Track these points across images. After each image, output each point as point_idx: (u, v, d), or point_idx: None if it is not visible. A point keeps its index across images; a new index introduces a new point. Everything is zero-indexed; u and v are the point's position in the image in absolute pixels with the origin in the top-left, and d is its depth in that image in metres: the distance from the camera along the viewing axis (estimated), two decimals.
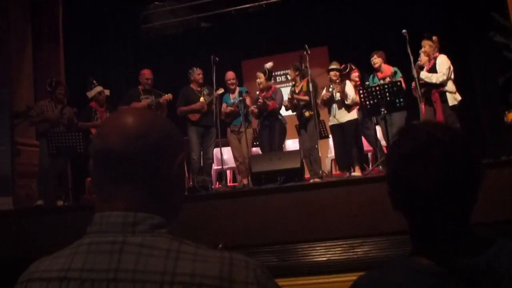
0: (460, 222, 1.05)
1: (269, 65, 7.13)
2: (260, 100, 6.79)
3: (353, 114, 6.64)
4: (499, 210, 4.28)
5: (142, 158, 0.92)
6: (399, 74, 6.46)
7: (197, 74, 7.08)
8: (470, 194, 1.05)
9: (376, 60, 6.58)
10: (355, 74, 6.93)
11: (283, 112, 7.08)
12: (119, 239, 0.88)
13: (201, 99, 6.92)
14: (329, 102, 6.80)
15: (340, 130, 6.72)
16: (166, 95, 6.93)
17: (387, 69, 6.56)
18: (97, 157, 0.95)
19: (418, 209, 1.06)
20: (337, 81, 6.77)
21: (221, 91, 6.86)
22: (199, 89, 7.06)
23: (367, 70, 7.04)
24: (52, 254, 0.94)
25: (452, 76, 6.02)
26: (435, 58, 6.09)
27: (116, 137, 0.93)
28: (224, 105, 7.11)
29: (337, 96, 6.66)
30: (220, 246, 1.57)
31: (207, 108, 6.86)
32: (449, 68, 5.98)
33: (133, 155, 0.92)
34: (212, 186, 6.75)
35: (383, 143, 6.90)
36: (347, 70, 6.91)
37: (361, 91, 5.97)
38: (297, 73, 6.90)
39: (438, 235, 1.05)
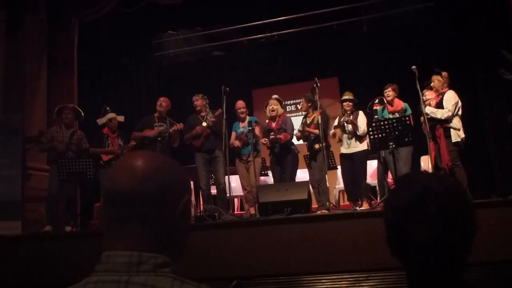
0: (453, 272, 1.08)
1: (275, 96, 7.24)
2: (273, 135, 6.83)
3: (364, 145, 6.66)
4: (504, 249, 4.26)
5: (148, 200, 0.97)
6: (409, 111, 6.47)
7: (193, 101, 7.15)
8: (464, 245, 1.07)
9: (390, 93, 6.60)
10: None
11: (295, 140, 7.10)
12: (124, 279, 0.92)
13: (203, 123, 6.92)
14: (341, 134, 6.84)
15: (349, 160, 6.74)
16: (177, 124, 6.95)
17: (398, 104, 6.58)
18: (105, 197, 1.00)
19: (413, 257, 1.09)
20: (349, 111, 6.80)
21: (219, 112, 6.82)
22: (202, 114, 7.07)
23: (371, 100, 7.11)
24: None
25: (460, 113, 6.07)
26: (443, 94, 6.14)
27: (124, 178, 0.98)
28: (233, 134, 7.15)
29: (349, 127, 6.69)
30: (234, 283, 1.56)
31: (209, 132, 6.84)
32: (456, 104, 6.02)
33: (139, 197, 0.96)
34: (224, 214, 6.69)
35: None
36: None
37: (371, 126, 6.00)
38: (309, 104, 6.92)
39: (432, 283, 1.08)
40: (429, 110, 6.06)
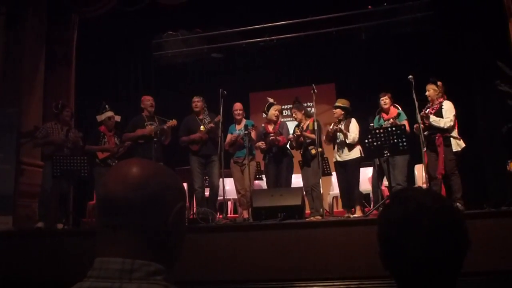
0: (445, 286, 1.08)
1: (271, 100, 7.25)
2: (273, 136, 6.83)
3: (356, 153, 6.64)
4: (498, 259, 4.27)
5: (140, 207, 0.97)
6: (403, 117, 6.50)
7: (193, 102, 7.12)
8: (456, 262, 1.08)
9: (387, 101, 6.62)
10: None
11: (289, 147, 7.10)
12: (116, 285, 0.91)
13: (201, 127, 6.93)
14: (333, 139, 6.82)
15: (342, 168, 6.73)
16: (170, 121, 6.93)
17: (392, 111, 6.59)
18: (98, 204, 1.00)
19: (405, 273, 1.09)
20: (340, 118, 6.79)
21: (218, 119, 6.82)
22: (200, 117, 7.08)
23: (370, 109, 7.10)
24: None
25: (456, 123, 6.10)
26: (440, 103, 6.17)
27: (117, 186, 0.98)
28: (229, 135, 7.13)
29: (341, 136, 6.68)
30: None
31: (207, 137, 6.87)
32: (455, 114, 6.06)
33: (132, 205, 0.96)
34: (215, 217, 6.68)
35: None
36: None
37: (369, 135, 6.00)
38: (302, 112, 6.95)
39: None
40: (431, 118, 6.07)
